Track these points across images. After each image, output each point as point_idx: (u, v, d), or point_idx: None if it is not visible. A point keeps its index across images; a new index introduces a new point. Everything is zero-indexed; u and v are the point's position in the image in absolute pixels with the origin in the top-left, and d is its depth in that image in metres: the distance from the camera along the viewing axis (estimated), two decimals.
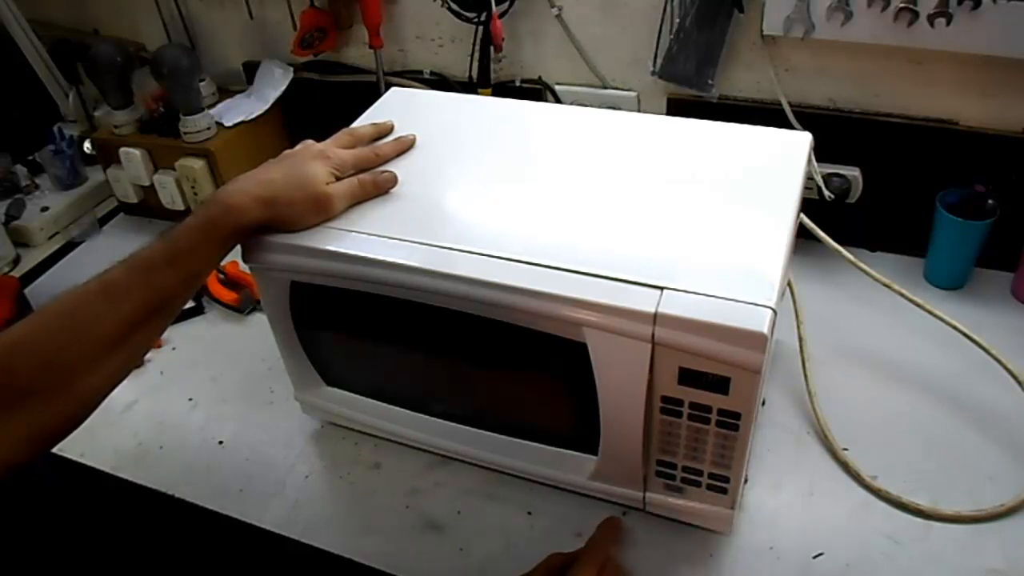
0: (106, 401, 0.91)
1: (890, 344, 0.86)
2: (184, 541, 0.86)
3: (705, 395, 0.57)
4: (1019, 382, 0.75)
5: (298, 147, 0.71)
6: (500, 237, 0.62)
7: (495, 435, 0.71)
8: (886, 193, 0.94)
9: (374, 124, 0.77)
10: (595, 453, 0.66)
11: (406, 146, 0.75)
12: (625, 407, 0.60)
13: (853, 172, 0.94)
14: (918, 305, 0.78)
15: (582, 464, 0.68)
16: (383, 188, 0.69)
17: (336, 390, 0.77)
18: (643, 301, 0.55)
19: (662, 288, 0.55)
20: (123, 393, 0.89)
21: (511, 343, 0.62)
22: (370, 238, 0.63)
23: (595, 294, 0.56)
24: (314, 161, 0.67)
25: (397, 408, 0.75)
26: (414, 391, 0.74)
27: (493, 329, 0.61)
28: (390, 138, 0.76)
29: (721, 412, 0.58)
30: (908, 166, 0.92)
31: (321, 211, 0.65)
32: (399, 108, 0.82)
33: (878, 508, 0.70)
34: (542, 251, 0.60)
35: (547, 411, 0.69)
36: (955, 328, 0.77)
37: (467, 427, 0.72)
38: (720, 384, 0.56)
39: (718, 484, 0.63)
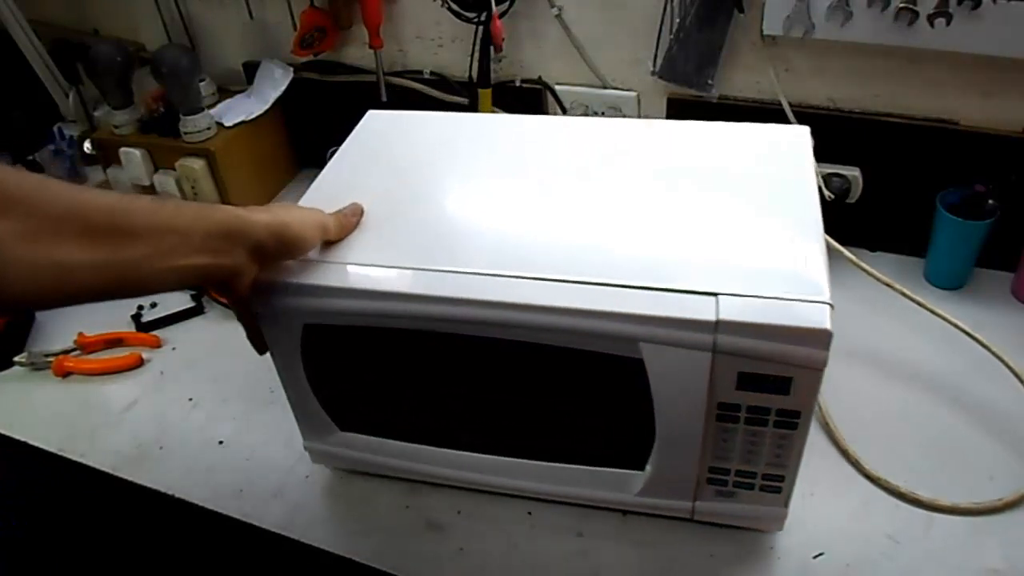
0: (106, 401, 0.91)
1: (891, 344, 0.86)
2: (184, 541, 0.86)
3: (764, 397, 0.56)
4: (1021, 380, 0.76)
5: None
6: (534, 258, 0.59)
7: (537, 463, 0.68)
8: (886, 193, 0.94)
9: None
10: (641, 468, 0.65)
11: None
12: (683, 419, 0.59)
13: (853, 172, 0.94)
14: (920, 304, 0.78)
15: (629, 481, 0.66)
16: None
17: (352, 435, 0.72)
18: (702, 309, 0.53)
19: (716, 294, 0.54)
20: (123, 393, 0.89)
21: (556, 366, 0.60)
22: (395, 271, 0.60)
23: (651, 307, 0.53)
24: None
25: (425, 446, 0.71)
26: (444, 426, 0.69)
27: (536, 354, 0.58)
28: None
29: (780, 413, 0.57)
30: (908, 166, 0.92)
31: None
32: (380, 132, 0.79)
33: (879, 507, 0.70)
34: (583, 268, 0.57)
35: (594, 431, 0.65)
36: (956, 326, 0.77)
37: (506, 458, 0.69)
38: (781, 385, 0.55)
39: (773, 484, 0.62)
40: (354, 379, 0.68)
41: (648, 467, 0.64)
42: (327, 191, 0.70)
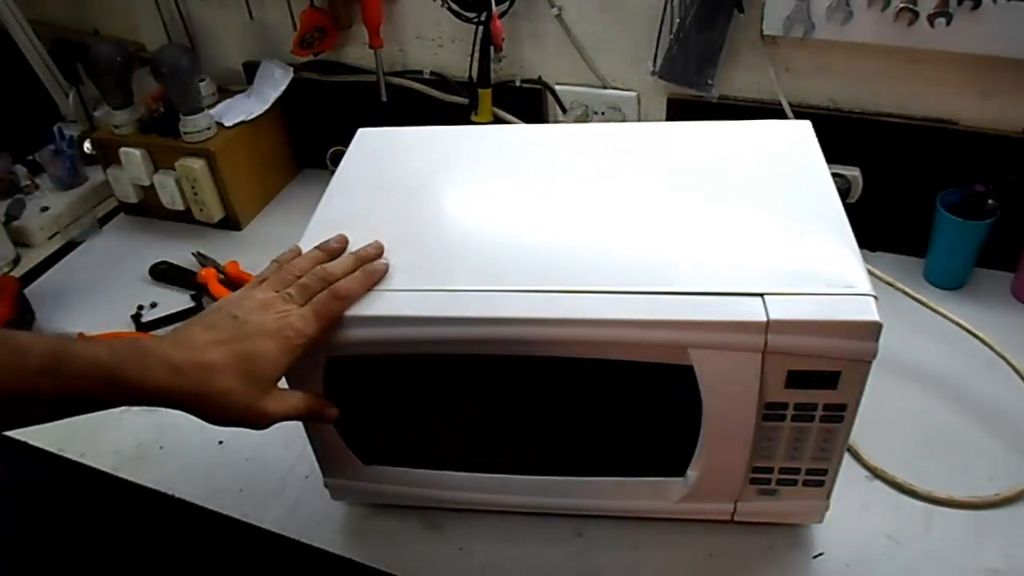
0: None
1: (891, 343, 0.84)
2: (184, 541, 0.86)
3: (812, 393, 0.56)
4: (1022, 377, 0.76)
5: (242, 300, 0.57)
6: (568, 271, 0.57)
7: (577, 479, 0.66)
8: (886, 193, 0.94)
9: (320, 249, 0.61)
10: (682, 475, 0.64)
11: (378, 276, 0.59)
12: (731, 423, 0.58)
13: (853, 172, 0.94)
14: (922, 303, 0.78)
15: (670, 488, 0.65)
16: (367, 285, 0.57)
17: (377, 468, 0.68)
18: (751, 311, 0.52)
19: (762, 295, 0.53)
20: None
21: (598, 380, 0.59)
22: (427, 294, 0.57)
23: (701, 313, 0.53)
24: (264, 311, 0.55)
25: (458, 473, 0.68)
26: (477, 451, 0.67)
27: (577, 369, 0.57)
28: (347, 253, 0.61)
29: (827, 407, 0.57)
30: (908, 166, 0.92)
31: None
32: (375, 152, 0.75)
33: (878, 507, 0.70)
34: (620, 278, 0.56)
35: (636, 442, 0.64)
36: (959, 325, 0.77)
37: (544, 477, 0.67)
38: (829, 379, 0.55)
39: (816, 478, 0.62)
40: (380, 410, 0.65)
41: (689, 473, 0.63)
42: (333, 220, 0.66)
